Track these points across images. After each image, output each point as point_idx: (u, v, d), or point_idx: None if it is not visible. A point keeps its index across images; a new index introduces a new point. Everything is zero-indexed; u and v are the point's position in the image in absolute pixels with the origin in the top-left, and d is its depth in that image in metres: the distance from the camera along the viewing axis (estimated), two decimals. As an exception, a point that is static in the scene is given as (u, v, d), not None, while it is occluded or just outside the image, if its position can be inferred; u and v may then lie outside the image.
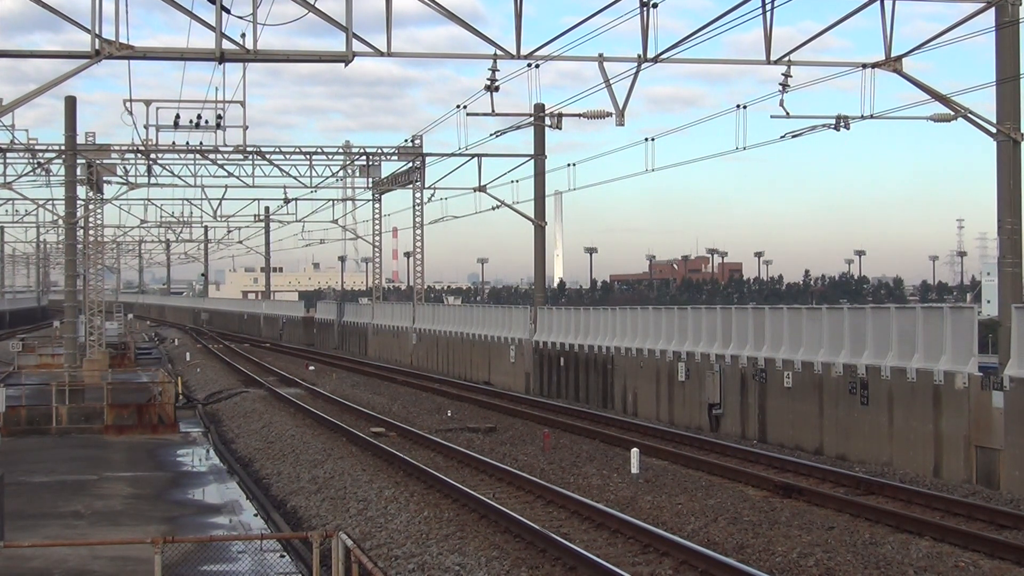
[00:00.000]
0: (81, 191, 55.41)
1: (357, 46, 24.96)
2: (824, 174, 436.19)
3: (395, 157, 66.36)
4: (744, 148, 34.09)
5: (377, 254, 78.54)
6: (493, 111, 34.36)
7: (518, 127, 46.46)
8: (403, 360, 66.44)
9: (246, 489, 25.42)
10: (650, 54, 27.78)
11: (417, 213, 69.43)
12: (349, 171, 66.09)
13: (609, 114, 36.69)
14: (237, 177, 63.14)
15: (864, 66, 29.57)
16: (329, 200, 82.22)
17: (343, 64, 24.80)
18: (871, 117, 31.12)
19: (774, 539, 18.40)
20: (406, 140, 65.96)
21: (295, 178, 63.56)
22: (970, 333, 24.70)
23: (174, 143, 53.50)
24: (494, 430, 33.61)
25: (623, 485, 23.67)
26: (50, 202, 73.20)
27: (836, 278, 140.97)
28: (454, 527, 19.76)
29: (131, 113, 43.34)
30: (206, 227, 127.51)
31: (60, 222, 68.88)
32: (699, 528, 19.37)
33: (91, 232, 60.36)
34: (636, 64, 28.36)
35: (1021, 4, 28.02)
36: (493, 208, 57.70)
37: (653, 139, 39.38)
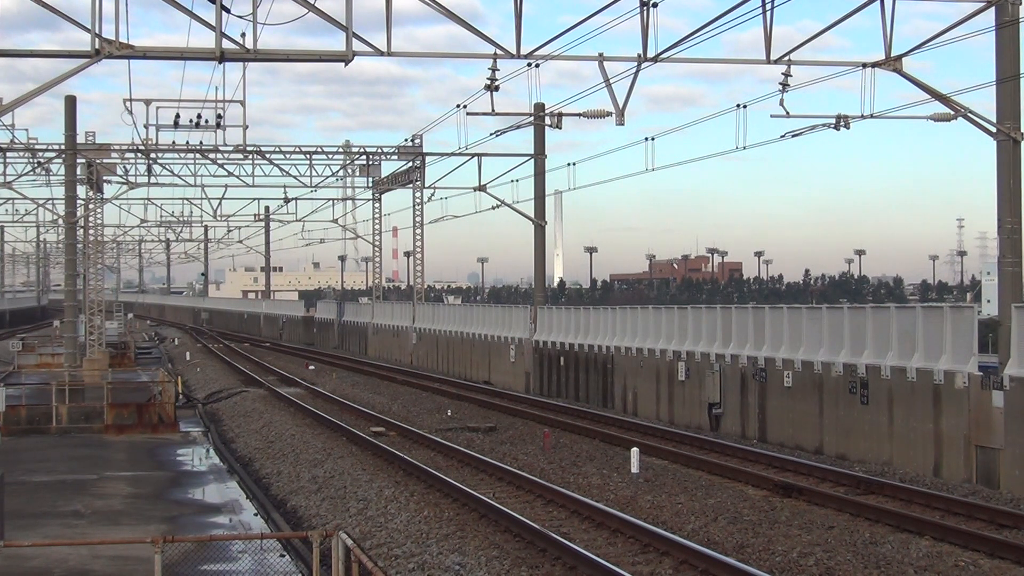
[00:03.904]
0: (81, 191, 55.44)
1: (357, 45, 24.95)
2: (824, 173, 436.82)
3: (395, 156, 66.38)
4: (744, 147, 34.08)
5: (377, 253, 78.55)
6: (493, 111, 34.36)
7: (518, 127, 46.46)
8: (403, 360, 66.44)
9: (246, 488, 25.42)
10: (650, 53, 27.77)
11: (417, 213, 69.42)
12: (349, 171, 66.11)
13: (609, 113, 36.65)
14: (237, 177, 63.19)
15: (864, 65, 29.57)
16: (329, 200, 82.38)
17: (343, 63, 24.80)
18: (871, 116, 31.12)
19: (774, 538, 18.40)
20: (406, 139, 66.01)
21: (295, 178, 63.60)
22: (970, 333, 24.70)
23: (174, 143, 53.50)
24: (494, 430, 33.61)
25: (623, 484, 23.67)
26: (50, 201, 73.31)
27: (836, 278, 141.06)
28: (454, 526, 19.76)
29: (131, 112, 43.36)
30: (206, 227, 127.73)
31: (60, 222, 68.91)
32: (699, 527, 19.37)
33: (91, 232, 60.36)
34: (636, 63, 28.36)
35: (1021, 4, 28.01)
36: (493, 208, 57.77)
37: (653, 139, 39.42)
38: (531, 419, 36.17)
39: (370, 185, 72.68)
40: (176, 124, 46.65)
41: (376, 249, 78.22)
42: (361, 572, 12.58)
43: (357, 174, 67.01)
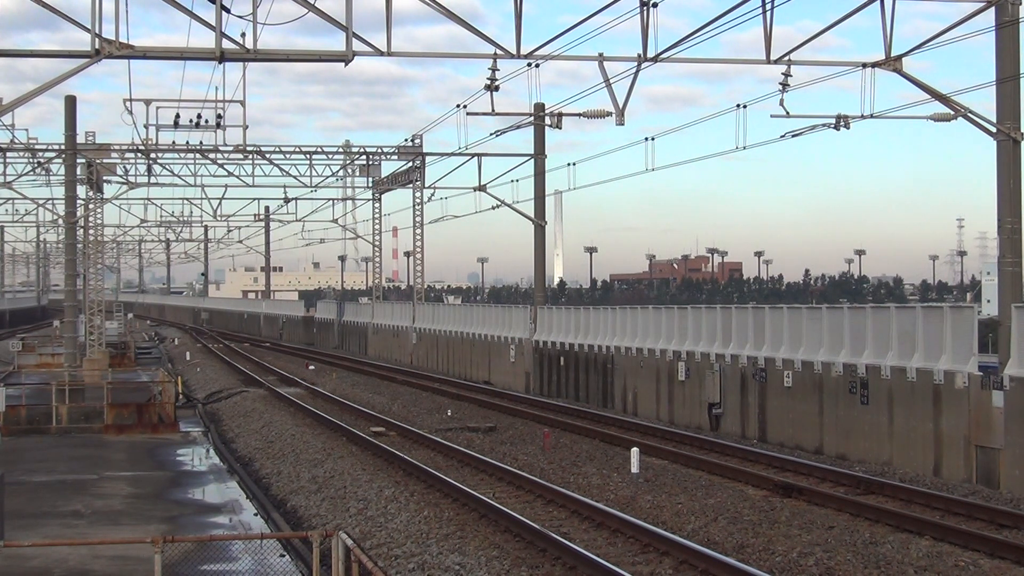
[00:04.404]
0: (81, 191, 55.43)
1: (357, 45, 24.95)
2: (824, 173, 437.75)
3: (395, 156, 66.39)
4: (744, 147, 34.10)
5: (377, 253, 78.56)
6: (493, 110, 34.39)
7: (518, 126, 46.46)
8: (403, 360, 66.43)
9: (246, 488, 25.42)
10: (650, 53, 27.78)
11: (417, 213, 69.43)
12: (349, 171, 66.11)
13: (609, 113, 36.67)
14: (237, 177, 63.19)
15: (864, 65, 29.58)
16: (329, 200, 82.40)
17: (343, 63, 24.80)
18: (871, 116, 31.14)
19: (774, 539, 18.39)
20: (406, 139, 66.03)
21: (295, 178, 63.60)
22: (970, 332, 24.70)
23: (174, 142, 53.52)
24: (494, 430, 33.60)
25: (623, 484, 23.67)
26: (50, 201, 73.33)
27: (836, 277, 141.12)
28: (454, 527, 19.76)
29: (131, 112, 43.39)
30: (206, 227, 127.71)
31: (60, 222, 68.89)
32: (699, 527, 19.37)
33: (91, 232, 60.36)
34: (636, 63, 28.37)
35: (1021, 4, 28.02)
36: (493, 208, 57.79)
37: (653, 138, 39.45)
38: (531, 419, 36.16)
39: (370, 185, 72.68)
40: (176, 124, 46.64)
41: (376, 249, 78.23)
42: (361, 572, 12.58)
43: (357, 174, 67.02)
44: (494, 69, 29.45)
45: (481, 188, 57.91)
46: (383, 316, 74.15)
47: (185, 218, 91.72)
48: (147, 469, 28.33)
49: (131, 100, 42.91)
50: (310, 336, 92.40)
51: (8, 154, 57.79)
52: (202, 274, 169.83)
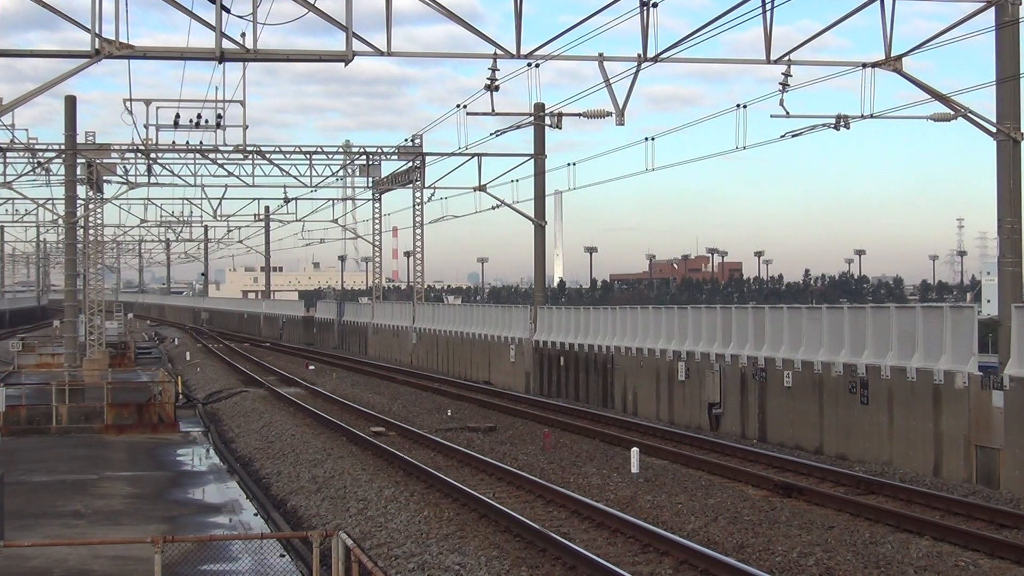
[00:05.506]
0: (81, 191, 55.47)
1: (357, 45, 24.96)
2: (824, 173, 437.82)
3: (395, 156, 66.41)
4: (744, 147, 34.11)
5: (377, 253, 78.56)
6: (493, 111, 34.42)
7: (518, 126, 46.46)
8: (403, 360, 66.43)
9: (246, 488, 25.42)
10: (650, 53, 27.78)
11: (417, 213, 69.44)
12: (349, 171, 66.13)
13: (609, 113, 36.67)
14: (237, 177, 63.20)
15: (864, 65, 29.58)
16: (329, 199, 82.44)
17: (343, 63, 24.80)
18: (871, 116, 31.14)
19: (774, 538, 18.39)
20: (406, 139, 66.04)
21: (295, 178, 63.61)
22: (970, 332, 24.70)
23: (174, 142, 53.51)
24: (494, 430, 33.60)
25: (623, 484, 23.67)
26: (50, 201, 73.35)
27: (836, 278, 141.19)
28: (454, 527, 19.76)
29: (131, 112, 43.41)
30: (206, 227, 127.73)
31: (60, 222, 68.91)
32: (699, 527, 19.37)
33: (91, 232, 60.37)
34: (636, 63, 28.37)
35: (1021, 4, 28.02)
36: (493, 208, 57.79)
37: (653, 138, 39.45)
38: (531, 419, 36.16)
39: (370, 185, 72.71)
40: (176, 124, 46.66)
41: (376, 249, 78.24)
42: (361, 572, 12.58)
43: (357, 174, 67.05)
44: (494, 69, 29.45)
45: (481, 188, 57.91)
46: (383, 316, 74.14)
47: (185, 218, 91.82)
48: (147, 469, 28.34)
49: (131, 100, 42.96)
50: (310, 336, 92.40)
51: (8, 154, 57.78)
52: (202, 274, 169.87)
